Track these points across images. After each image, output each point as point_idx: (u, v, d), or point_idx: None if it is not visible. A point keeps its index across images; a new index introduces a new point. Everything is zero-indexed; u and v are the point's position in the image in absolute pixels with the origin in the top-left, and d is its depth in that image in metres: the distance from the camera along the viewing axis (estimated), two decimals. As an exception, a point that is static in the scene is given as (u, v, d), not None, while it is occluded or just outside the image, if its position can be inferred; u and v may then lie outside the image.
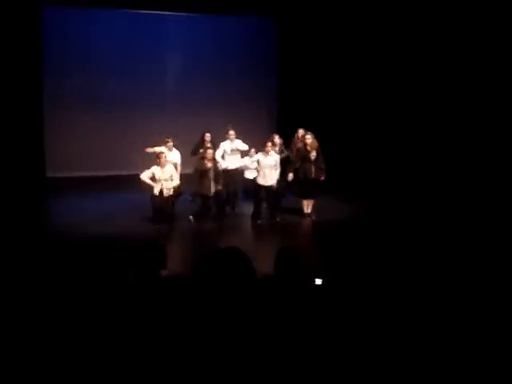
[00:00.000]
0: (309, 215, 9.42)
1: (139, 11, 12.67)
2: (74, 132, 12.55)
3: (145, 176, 8.88)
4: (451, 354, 2.93)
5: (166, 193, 8.81)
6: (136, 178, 11.86)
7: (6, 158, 11.10)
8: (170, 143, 9.97)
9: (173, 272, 4.83)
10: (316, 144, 9.38)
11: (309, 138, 9.36)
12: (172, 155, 9.78)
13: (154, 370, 2.52)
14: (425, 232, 8.26)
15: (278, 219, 9.14)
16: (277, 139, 10.09)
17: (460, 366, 2.86)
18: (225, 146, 9.98)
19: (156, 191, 8.79)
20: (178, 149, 10.04)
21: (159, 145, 10.00)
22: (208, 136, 10.09)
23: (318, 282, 3.57)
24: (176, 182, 9.05)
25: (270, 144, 9.17)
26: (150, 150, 9.91)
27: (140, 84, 12.99)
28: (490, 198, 9.42)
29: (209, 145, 9.82)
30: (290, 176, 9.41)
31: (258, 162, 9.06)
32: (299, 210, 9.56)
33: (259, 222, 9.06)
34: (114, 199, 10.58)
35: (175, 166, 9.73)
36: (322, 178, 9.36)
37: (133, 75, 12.92)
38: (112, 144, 12.82)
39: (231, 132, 10.08)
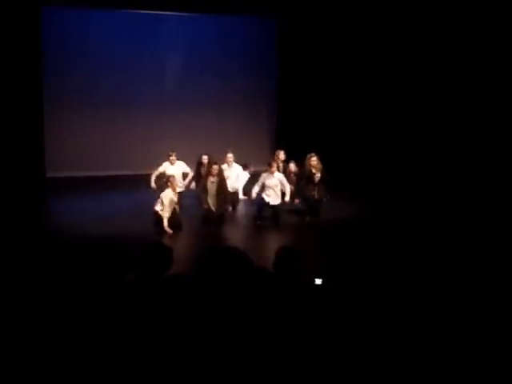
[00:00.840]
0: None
1: (139, 11, 12.66)
2: (73, 132, 12.55)
3: (161, 210, 8.50)
4: (451, 353, 2.93)
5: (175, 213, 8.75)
6: (137, 177, 11.92)
7: (5, 158, 11.10)
8: (173, 157, 9.79)
9: (173, 271, 4.83)
10: (320, 166, 9.36)
11: (314, 160, 9.32)
12: (176, 168, 9.71)
13: (155, 368, 2.52)
14: (426, 232, 8.26)
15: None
16: (282, 155, 10.22)
17: (460, 365, 2.86)
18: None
19: (166, 216, 8.50)
20: (179, 159, 9.90)
21: (162, 161, 9.90)
22: (205, 158, 10.00)
23: (318, 281, 3.57)
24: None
25: (275, 165, 9.31)
26: (154, 176, 9.65)
27: (140, 84, 12.99)
28: (490, 197, 9.42)
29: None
30: (296, 201, 9.57)
31: (262, 184, 9.11)
32: (300, 211, 9.56)
33: (258, 222, 9.08)
34: (114, 199, 10.58)
35: (186, 175, 9.87)
36: (325, 198, 9.43)
37: (133, 75, 12.93)
38: (112, 144, 12.82)
39: (229, 155, 10.08)
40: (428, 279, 5.47)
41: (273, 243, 8.09)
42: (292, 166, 10.22)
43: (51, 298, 4.12)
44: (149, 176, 9.75)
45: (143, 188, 10.07)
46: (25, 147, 11.45)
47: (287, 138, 12.76)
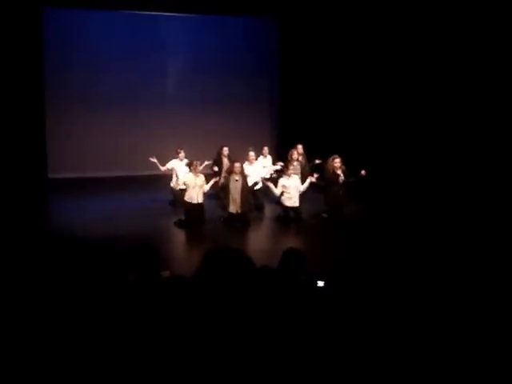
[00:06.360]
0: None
1: (140, 12, 12.68)
2: (75, 133, 12.57)
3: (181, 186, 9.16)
4: (452, 355, 2.92)
5: (198, 200, 8.82)
6: (138, 178, 11.94)
7: (7, 159, 11.11)
8: (182, 154, 10.02)
9: (176, 273, 4.83)
10: (344, 167, 9.42)
11: (337, 162, 9.38)
12: (184, 165, 9.82)
13: (155, 369, 2.51)
14: (426, 232, 8.25)
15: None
16: (300, 149, 10.33)
17: (461, 367, 2.85)
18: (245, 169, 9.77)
19: (189, 197, 8.80)
20: (186, 157, 10.06)
21: (169, 157, 10.13)
22: (226, 150, 10.24)
23: (320, 284, 3.57)
24: (206, 187, 9.01)
25: (291, 167, 9.31)
26: (157, 162, 10.06)
27: (141, 85, 13.00)
28: (490, 197, 9.40)
29: (226, 159, 10.11)
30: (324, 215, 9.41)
31: (283, 186, 9.14)
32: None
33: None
34: (115, 200, 10.58)
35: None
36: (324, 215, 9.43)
37: (134, 76, 12.94)
38: (113, 145, 12.84)
39: (251, 153, 10.08)
40: (429, 279, 5.46)
41: (286, 244, 8.05)
42: (299, 148, 10.38)
43: (53, 299, 4.12)
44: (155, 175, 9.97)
45: (145, 189, 10.09)
46: (27, 148, 11.47)
47: (289, 137, 12.76)
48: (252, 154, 10.07)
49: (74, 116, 12.54)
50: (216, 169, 9.96)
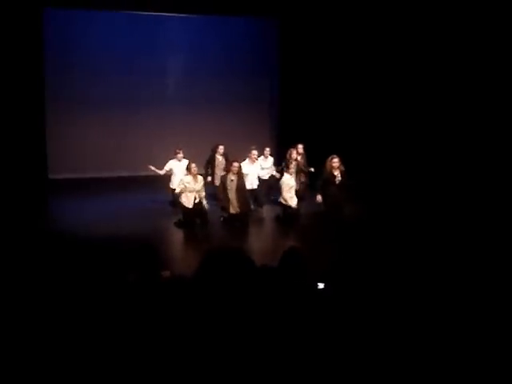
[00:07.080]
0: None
1: (140, 12, 12.67)
2: (75, 133, 12.56)
3: (179, 189, 8.96)
4: (452, 355, 2.92)
5: (197, 201, 8.82)
6: (138, 178, 11.93)
7: (7, 160, 11.10)
8: (181, 154, 10.01)
9: (176, 273, 4.83)
10: (342, 168, 9.22)
11: (335, 162, 9.14)
12: (183, 165, 9.76)
13: (156, 369, 2.51)
14: (425, 233, 8.24)
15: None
16: (300, 149, 10.31)
17: (461, 367, 2.85)
18: (245, 167, 9.73)
19: (185, 201, 8.77)
20: (184, 157, 10.08)
21: (169, 157, 10.15)
22: (221, 148, 10.18)
23: (321, 286, 3.56)
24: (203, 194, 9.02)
25: (292, 166, 9.28)
26: (155, 169, 10.07)
27: (141, 85, 13.00)
28: (490, 197, 9.40)
29: (220, 158, 10.07)
30: (319, 198, 9.24)
31: (283, 183, 9.14)
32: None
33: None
34: (116, 200, 10.58)
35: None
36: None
37: (134, 76, 12.93)
38: (113, 145, 12.83)
39: (254, 152, 10.04)
40: (430, 281, 5.46)
41: (285, 244, 8.05)
42: (300, 148, 10.36)
43: (53, 300, 4.11)
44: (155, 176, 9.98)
45: (145, 189, 10.08)
46: (27, 149, 11.46)
47: (289, 137, 12.75)
48: (255, 152, 10.05)
49: (74, 116, 12.53)
50: (211, 180, 9.94)
